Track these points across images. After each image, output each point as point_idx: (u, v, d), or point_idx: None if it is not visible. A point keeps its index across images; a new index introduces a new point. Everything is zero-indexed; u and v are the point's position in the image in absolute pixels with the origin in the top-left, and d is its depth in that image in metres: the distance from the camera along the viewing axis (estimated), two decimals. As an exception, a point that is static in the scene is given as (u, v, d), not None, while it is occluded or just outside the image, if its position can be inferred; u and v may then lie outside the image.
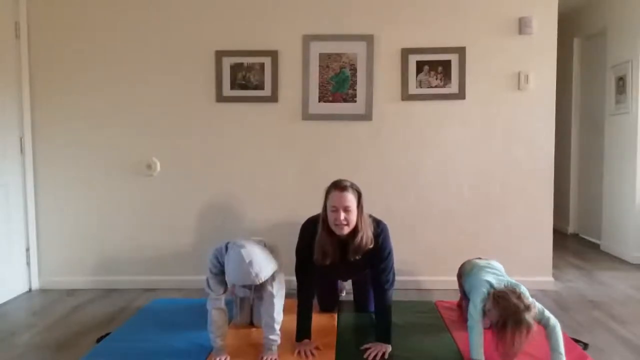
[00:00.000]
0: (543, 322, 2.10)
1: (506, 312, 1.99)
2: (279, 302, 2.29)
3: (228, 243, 2.26)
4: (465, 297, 2.59)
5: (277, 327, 2.26)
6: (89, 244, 3.48)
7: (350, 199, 2.31)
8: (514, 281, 2.24)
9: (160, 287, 3.43)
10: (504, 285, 2.16)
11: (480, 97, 3.38)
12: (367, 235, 2.35)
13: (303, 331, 2.35)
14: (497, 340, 2.01)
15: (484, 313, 2.15)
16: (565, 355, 2.07)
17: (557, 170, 3.53)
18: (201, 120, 3.43)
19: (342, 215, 2.29)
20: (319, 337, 2.40)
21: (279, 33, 3.39)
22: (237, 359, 2.23)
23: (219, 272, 2.27)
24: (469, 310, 2.21)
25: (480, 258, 2.67)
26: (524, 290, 2.11)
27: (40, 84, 3.43)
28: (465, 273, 2.58)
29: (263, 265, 2.13)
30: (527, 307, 1.99)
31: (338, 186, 2.35)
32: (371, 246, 2.37)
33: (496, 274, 2.36)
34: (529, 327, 1.96)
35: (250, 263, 2.07)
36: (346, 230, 2.32)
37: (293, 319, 2.38)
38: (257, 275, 2.10)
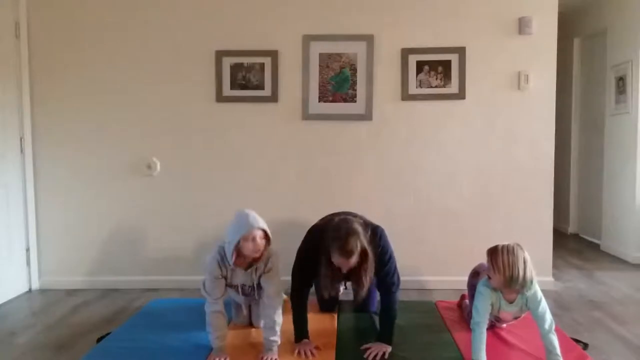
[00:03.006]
0: (539, 322, 2.10)
1: (496, 248, 2.12)
2: (278, 304, 2.29)
3: (217, 246, 2.32)
4: (470, 299, 2.57)
5: (278, 328, 2.26)
6: (89, 244, 3.48)
7: (354, 261, 2.21)
8: None
9: (161, 287, 3.43)
10: None
11: (480, 97, 3.38)
12: (369, 282, 2.30)
13: (301, 332, 2.35)
14: (498, 273, 2.07)
15: (489, 279, 2.17)
16: (563, 355, 2.07)
17: (557, 170, 3.53)
18: (201, 120, 3.43)
19: (346, 269, 2.26)
20: (319, 337, 2.39)
21: (279, 33, 3.39)
22: (237, 359, 2.23)
23: (219, 275, 2.27)
24: (473, 311, 2.20)
25: None
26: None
27: (40, 84, 3.43)
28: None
29: (263, 224, 2.25)
30: (517, 244, 2.13)
31: (343, 252, 2.15)
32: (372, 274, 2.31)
33: None
34: (521, 250, 2.09)
35: (251, 212, 2.26)
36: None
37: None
38: (257, 220, 2.23)
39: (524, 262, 2.06)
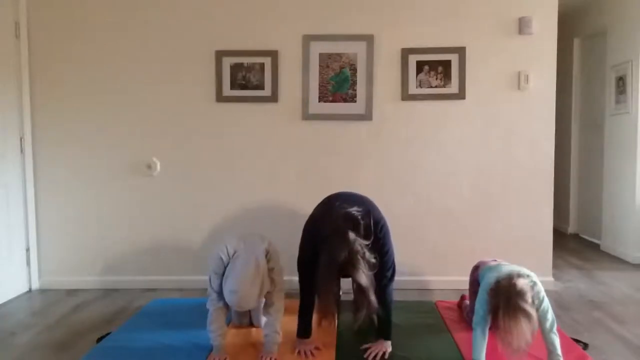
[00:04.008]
0: (541, 321, 2.06)
1: (497, 299, 1.95)
2: (279, 302, 2.30)
3: (228, 245, 2.26)
4: (472, 296, 2.56)
5: (278, 325, 2.27)
6: (89, 244, 3.48)
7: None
8: (526, 271, 2.11)
9: (160, 287, 3.43)
10: (505, 274, 2.05)
11: (480, 97, 3.38)
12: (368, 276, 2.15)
13: (304, 329, 2.34)
14: (497, 334, 1.96)
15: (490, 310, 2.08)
16: (563, 355, 2.07)
17: (557, 170, 3.53)
18: (201, 120, 3.43)
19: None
20: (319, 337, 2.39)
21: (279, 33, 3.39)
22: (237, 359, 2.24)
23: (223, 273, 2.25)
24: (476, 308, 2.19)
25: (495, 260, 2.48)
26: (527, 276, 2.03)
27: (40, 84, 3.43)
28: (480, 273, 2.44)
29: (250, 298, 2.15)
30: (519, 293, 1.90)
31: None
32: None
33: (507, 266, 2.22)
34: (525, 314, 1.85)
35: (240, 298, 2.13)
36: None
37: (293, 319, 2.37)
38: (241, 307, 2.22)
39: (529, 323, 1.85)
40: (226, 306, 2.28)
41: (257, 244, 2.29)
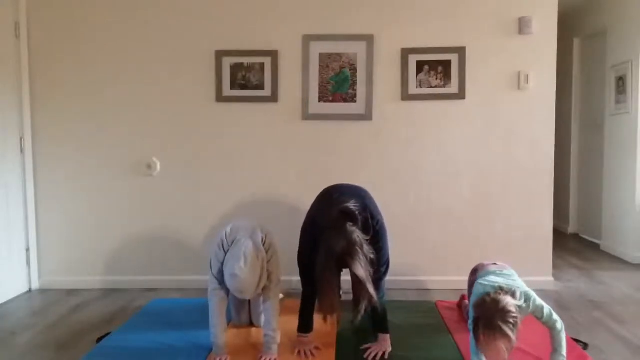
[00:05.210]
0: (550, 325, 2.07)
1: (480, 313, 1.92)
2: (275, 299, 2.31)
3: (227, 232, 2.29)
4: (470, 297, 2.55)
5: (275, 323, 2.27)
6: (89, 244, 3.48)
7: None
8: (521, 286, 2.10)
9: (161, 287, 3.43)
10: (494, 289, 2.01)
11: (480, 97, 3.38)
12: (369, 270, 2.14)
13: (306, 326, 2.34)
14: (477, 343, 1.93)
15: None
16: (566, 356, 2.06)
17: (557, 170, 3.53)
18: (201, 120, 3.43)
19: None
20: (319, 337, 2.39)
21: (279, 33, 3.39)
22: (237, 359, 2.24)
23: (222, 260, 2.25)
24: (469, 313, 2.18)
25: (495, 264, 2.45)
26: (515, 293, 1.99)
27: (40, 84, 3.43)
28: (478, 275, 2.47)
29: (250, 283, 2.15)
30: (501, 311, 1.85)
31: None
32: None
33: (502, 276, 2.22)
34: (503, 335, 1.81)
35: (241, 283, 2.13)
36: None
37: (294, 319, 2.37)
38: (241, 293, 2.19)
39: (508, 343, 1.83)
40: (227, 293, 2.28)
41: (257, 232, 2.31)
